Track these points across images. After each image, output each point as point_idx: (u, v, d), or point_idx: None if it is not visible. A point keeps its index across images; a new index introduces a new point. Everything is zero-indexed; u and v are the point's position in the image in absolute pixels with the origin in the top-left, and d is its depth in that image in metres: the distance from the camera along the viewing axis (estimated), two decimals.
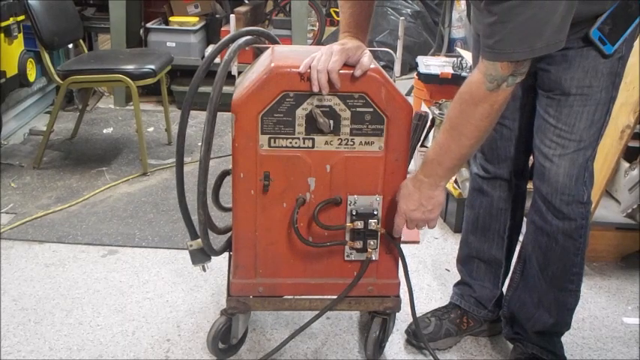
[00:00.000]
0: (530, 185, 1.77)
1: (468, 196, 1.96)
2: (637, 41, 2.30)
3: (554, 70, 1.53)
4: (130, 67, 3.07)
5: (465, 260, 1.97)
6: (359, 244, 1.64)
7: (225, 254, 1.85)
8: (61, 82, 3.03)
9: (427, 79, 3.45)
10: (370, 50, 1.66)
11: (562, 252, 1.65)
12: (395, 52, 1.89)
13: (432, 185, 1.54)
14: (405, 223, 1.60)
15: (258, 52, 1.77)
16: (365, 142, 1.57)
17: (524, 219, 1.86)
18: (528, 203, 1.78)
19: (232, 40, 1.68)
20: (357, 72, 1.49)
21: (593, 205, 2.23)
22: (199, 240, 1.74)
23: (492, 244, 1.88)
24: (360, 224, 1.61)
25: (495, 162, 1.81)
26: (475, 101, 1.42)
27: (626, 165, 2.42)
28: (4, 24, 3.21)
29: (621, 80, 1.58)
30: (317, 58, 1.48)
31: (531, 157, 1.76)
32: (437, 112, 2.99)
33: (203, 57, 4.13)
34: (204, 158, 1.61)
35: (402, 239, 1.70)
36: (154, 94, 4.19)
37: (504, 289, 1.91)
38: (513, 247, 1.91)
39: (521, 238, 1.85)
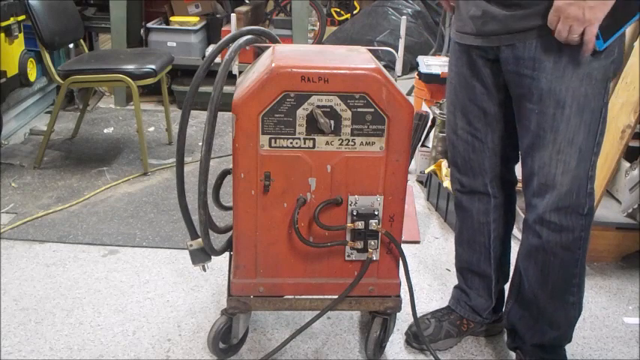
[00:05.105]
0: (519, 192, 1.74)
1: (454, 210, 1.94)
2: (637, 41, 2.32)
3: (545, 79, 1.46)
4: (130, 66, 3.07)
5: (459, 270, 1.96)
6: (360, 245, 1.64)
7: (226, 254, 1.85)
8: (61, 81, 3.03)
9: (428, 78, 3.45)
10: (371, 50, 1.66)
11: (560, 265, 1.61)
12: (396, 51, 1.89)
13: None
14: (557, 22, 1.39)
15: (258, 52, 1.76)
16: (366, 143, 1.57)
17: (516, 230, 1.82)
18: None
19: (233, 39, 1.68)
20: None
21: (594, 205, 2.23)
22: (199, 240, 1.74)
23: (480, 257, 1.86)
24: (360, 224, 1.61)
25: (470, 175, 1.79)
26: None
27: (626, 165, 2.42)
28: (4, 24, 3.22)
29: (609, 84, 1.51)
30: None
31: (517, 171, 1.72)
32: (437, 111, 2.99)
33: (204, 57, 4.14)
34: (205, 158, 1.61)
35: (403, 239, 1.70)
36: (155, 94, 4.19)
37: (505, 292, 1.91)
38: (504, 259, 1.88)
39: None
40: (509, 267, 1.90)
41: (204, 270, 1.85)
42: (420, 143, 3.06)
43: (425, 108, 3.31)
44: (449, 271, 2.37)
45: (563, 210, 1.54)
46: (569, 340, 1.77)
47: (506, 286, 1.89)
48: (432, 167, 2.88)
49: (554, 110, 1.48)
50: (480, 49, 1.60)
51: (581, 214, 1.56)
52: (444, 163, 2.80)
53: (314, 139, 1.56)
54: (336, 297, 1.69)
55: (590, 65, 1.44)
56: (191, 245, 1.78)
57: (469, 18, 1.58)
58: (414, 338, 1.92)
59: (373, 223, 1.61)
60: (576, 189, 1.53)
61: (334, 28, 5.94)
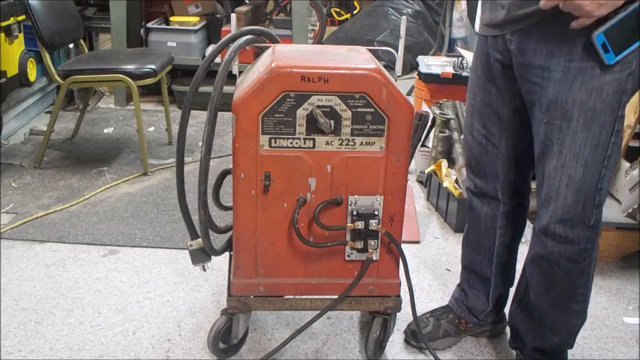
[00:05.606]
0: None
1: (466, 209, 1.93)
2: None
3: (552, 89, 1.43)
4: (130, 66, 3.07)
5: (463, 267, 1.96)
6: (360, 245, 1.64)
7: (226, 254, 1.85)
8: (61, 81, 3.03)
9: (428, 78, 3.45)
10: (371, 50, 1.66)
11: (565, 276, 1.58)
12: (396, 51, 1.89)
13: None
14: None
15: (259, 52, 1.77)
16: (366, 143, 1.57)
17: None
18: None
19: (233, 39, 1.68)
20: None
21: None
22: (199, 240, 1.74)
23: (483, 260, 1.86)
24: (360, 224, 1.61)
25: (482, 177, 1.78)
26: None
27: (626, 165, 2.42)
28: (4, 24, 3.22)
29: (629, 98, 1.43)
30: None
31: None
32: (437, 112, 2.99)
33: (204, 57, 4.14)
34: (205, 158, 1.61)
35: (403, 239, 1.70)
36: (155, 94, 4.19)
37: (507, 295, 1.92)
38: (507, 266, 1.86)
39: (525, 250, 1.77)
40: (513, 273, 1.89)
41: (204, 270, 1.85)
42: (420, 143, 3.06)
43: (425, 108, 3.31)
44: (449, 271, 2.37)
45: (568, 222, 1.51)
46: (571, 347, 1.76)
47: (512, 288, 1.89)
48: (432, 167, 2.88)
49: (560, 122, 1.44)
50: (497, 52, 1.58)
51: (588, 225, 1.51)
52: (444, 163, 2.80)
53: (314, 139, 1.56)
54: (336, 297, 1.69)
55: (602, 78, 1.39)
56: (191, 245, 1.78)
57: (488, 9, 1.57)
58: (413, 336, 1.92)
59: (373, 223, 1.61)
60: (582, 201, 1.49)
61: (334, 28, 5.94)
